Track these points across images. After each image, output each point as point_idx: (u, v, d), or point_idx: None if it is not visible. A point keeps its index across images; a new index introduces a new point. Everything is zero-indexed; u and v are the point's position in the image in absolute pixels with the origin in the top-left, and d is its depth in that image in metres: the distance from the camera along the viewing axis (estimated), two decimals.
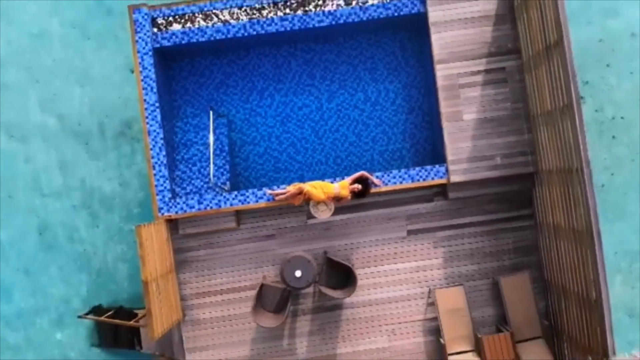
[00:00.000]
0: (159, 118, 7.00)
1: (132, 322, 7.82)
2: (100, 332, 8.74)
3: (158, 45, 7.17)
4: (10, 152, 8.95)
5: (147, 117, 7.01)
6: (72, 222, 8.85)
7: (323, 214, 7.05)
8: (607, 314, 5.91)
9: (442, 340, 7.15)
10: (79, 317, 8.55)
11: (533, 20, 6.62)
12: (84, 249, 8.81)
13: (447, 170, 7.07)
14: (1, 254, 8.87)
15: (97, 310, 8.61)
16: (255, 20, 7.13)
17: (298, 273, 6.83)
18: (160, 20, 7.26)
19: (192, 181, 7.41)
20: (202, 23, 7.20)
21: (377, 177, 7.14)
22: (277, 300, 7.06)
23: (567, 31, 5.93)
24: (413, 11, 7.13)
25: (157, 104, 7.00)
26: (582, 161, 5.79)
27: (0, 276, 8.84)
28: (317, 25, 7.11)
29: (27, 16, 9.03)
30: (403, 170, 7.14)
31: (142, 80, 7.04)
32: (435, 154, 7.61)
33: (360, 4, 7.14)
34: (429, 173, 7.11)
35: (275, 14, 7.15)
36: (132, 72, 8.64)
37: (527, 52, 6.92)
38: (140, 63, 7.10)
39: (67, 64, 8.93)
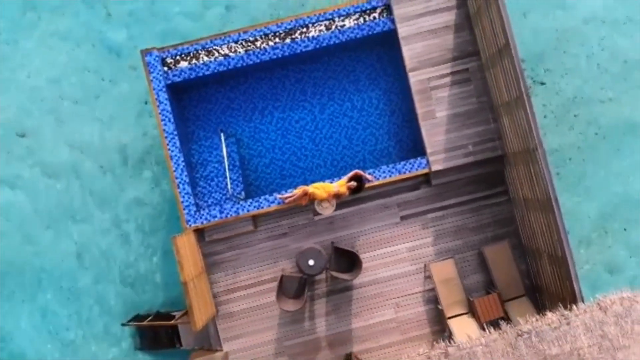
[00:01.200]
0: (178, 144, 8.17)
1: (172, 321, 8.95)
2: (142, 336, 9.69)
3: (170, 82, 8.34)
4: (47, 188, 10.08)
5: (167, 144, 8.18)
6: (105, 242, 9.96)
7: (327, 211, 8.19)
8: (571, 267, 7.08)
9: (440, 307, 8.31)
10: (123, 324, 9.70)
11: (486, 27, 7.80)
12: (118, 265, 9.93)
13: (427, 161, 8.24)
14: (44, 278, 10.01)
15: (136, 317, 9.76)
16: (250, 52, 8.31)
17: (311, 262, 8.00)
18: (169, 60, 8.44)
19: (212, 194, 8.59)
20: (206, 58, 8.37)
21: (369, 173, 8.30)
22: (296, 287, 8.22)
23: (511, 36, 7.10)
24: (385, 29, 8.30)
25: (174, 132, 8.17)
26: (536, 142, 6.96)
27: (47, 296, 10.00)
28: (303, 50, 8.28)
29: (47, 65, 10.16)
30: (391, 165, 8.31)
31: (160, 113, 8.21)
32: (416, 149, 8.76)
33: (338, 27, 8.32)
34: (413, 165, 8.28)
35: (267, 44, 8.32)
36: (146, 103, 9.80)
37: (485, 54, 8.09)
38: (156, 98, 8.26)
39: (87, 103, 10.05)
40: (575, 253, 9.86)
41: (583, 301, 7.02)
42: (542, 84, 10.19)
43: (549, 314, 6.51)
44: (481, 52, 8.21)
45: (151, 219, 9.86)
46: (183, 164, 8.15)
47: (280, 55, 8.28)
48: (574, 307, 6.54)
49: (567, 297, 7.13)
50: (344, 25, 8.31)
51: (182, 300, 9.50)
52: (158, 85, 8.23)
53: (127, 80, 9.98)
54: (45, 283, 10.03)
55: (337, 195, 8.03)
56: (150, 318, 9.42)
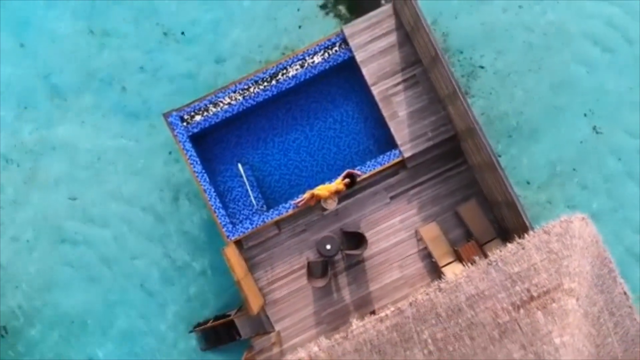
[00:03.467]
0: (207, 179, 10.48)
1: (230, 317, 11.22)
2: (205, 338, 11.61)
3: (190, 134, 10.66)
4: (101, 239, 12.32)
5: (200, 181, 10.49)
6: (161, 269, 12.18)
7: (331, 206, 10.48)
8: (519, 207, 9.40)
9: (434, 260, 10.62)
10: (190, 332, 11.97)
11: (420, 41, 10.15)
12: (173, 284, 12.19)
13: (400, 151, 10.57)
14: (116, 309, 12.28)
15: (199, 324, 12.01)
16: (247, 97, 10.65)
17: (328, 247, 10.31)
18: (186, 117, 10.76)
19: (241, 212, 10.92)
20: (214, 109, 10.70)
21: (357, 169, 10.63)
22: (321, 269, 10.53)
23: (438, 49, 9.44)
24: (345, 58, 10.64)
25: (203, 171, 10.48)
26: (472, 122, 9.30)
27: (121, 322, 12.25)
28: (287, 87, 10.62)
29: (82, 137, 12.36)
30: (373, 160, 10.64)
31: (189, 159, 10.53)
32: (389, 143, 11.01)
33: (310, 64, 10.66)
34: (389, 157, 10.61)
35: (259, 88, 10.66)
36: (170, 153, 12.09)
37: (425, 61, 10.44)
38: (183, 148, 10.58)
39: (121, 161, 12.26)
40: (536, 196, 12.23)
41: (532, 230, 9.33)
42: (482, 67, 12.52)
43: (508, 245, 8.81)
44: (422, 60, 10.56)
45: (195, 243, 12.06)
46: (214, 193, 10.46)
47: (270, 95, 10.63)
48: (526, 235, 8.84)
49: (522, 229, 9.45)
50: (314, 61, 10.65)
51: (234, 302, 11.80)
52: (182, 138, 10.55)
53: (150, 136, 12.17)
54: (119, 311, 12.29)
55: (337, 192, 10.30)
56: (211, 321, 11.70)
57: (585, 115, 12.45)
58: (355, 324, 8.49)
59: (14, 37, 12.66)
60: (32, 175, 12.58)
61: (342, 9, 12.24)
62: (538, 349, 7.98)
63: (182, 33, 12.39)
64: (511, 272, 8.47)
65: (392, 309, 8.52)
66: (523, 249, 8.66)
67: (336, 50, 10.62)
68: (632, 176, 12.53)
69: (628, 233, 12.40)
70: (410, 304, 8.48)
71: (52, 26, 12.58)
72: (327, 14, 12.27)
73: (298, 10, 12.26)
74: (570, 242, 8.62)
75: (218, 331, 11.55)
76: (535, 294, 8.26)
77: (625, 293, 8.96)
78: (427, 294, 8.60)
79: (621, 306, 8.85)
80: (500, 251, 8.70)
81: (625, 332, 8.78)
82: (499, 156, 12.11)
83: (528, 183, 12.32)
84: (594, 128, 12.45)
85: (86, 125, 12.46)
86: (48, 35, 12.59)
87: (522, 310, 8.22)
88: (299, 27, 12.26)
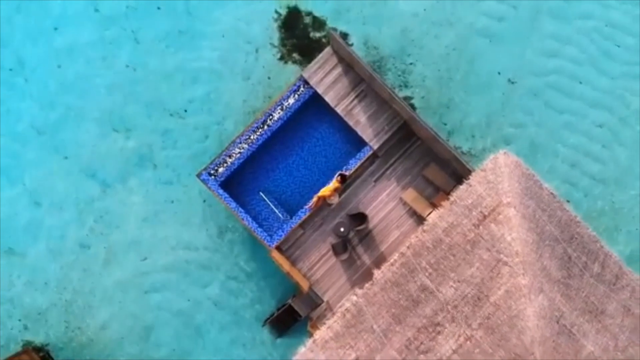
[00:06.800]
0: (243, 212, 14.24)
1: (288, 303, 14.86)
2: (274, 328, 14.96)
3: (219, 183, 14.43)
4: (174, 281, 16.05)
5: (237, 213, 14.23)
6: (227, 289, 15.80)
7: (334, 201, 14.21)
8: (460, 158, 13.16)
9: (419, 214, 14.37)
10: (262, 326, 15.65)
11: (357, 67, 13.94)
12: (240, 296, 15.92)
13: (370, 146, 14.34)
14: (201, 328, 15.94)
15: (267, 319, 15.63)
16: (251, 143, 14.42)
17: (342, 229, 14.04)
18: (212, 171, 14.52)
19: (273, 225, 14.70)
20: (230, 160, 14.46)
21: (345, 169, 14.38)
22: (342, 247, 14.25)
23: (370, 69, 13.21)
24: (311, 93, 14.43)
25: (238, 207, 14.24)
26: (408, 113, 13.08)
27: (213, 336, 15.96)
28: (276, 127, 14.40)
29: (138, 211, 16.10)
30: (353, 159, 14.40)
31: (224, 201, 14.29)
32: (361, 143, 14.69)
33: (287, 106, 14.44)
34: (364, 152, 14.37)
35: (256, 135, 14.42)
36: (204, 201, 15.83)
37: (366, 79, 14.24)
38: (218, 195, 14.33)
39: (171, 218, 15.90)
40: (482, 144, 16.01)
41: (474, 171, 12.98)
42: (411, 63, 16.30)
43: (460, 186, 12.49)
44: (364, 78, 14.36)
45: (246, 262, 15.83)
46: (250, 218, 14.23)
47: (266, 137, 14.43)
48: (470, 176, 12.52)
49: (467, 173, 13.17)
50: (289, 103, 14.46)
51: (286, 294, 15.49)
52: (215, 188, 14.32)
53: (186, 194, 15.86)
54: (204, 329, 15.92)
55: (335, 190, 14.00)
56: (275, 313, 15.39)
57: (499, 73, 16.29)
58: (376, 272, 12.17)
59: (57, 154, 16.20)
60: (107, 252, 16.18)
61: (295, 55, 16.06)
62: (498, 247, 11.63)
63: (185, 110, 16.17)
64: (466, 204, 12.11)
65: (397, 255, 12.22)
66: (470, 185, 12.22)
67: (302, 90, 14.42)
68: (550, 105, 16.33)
69: (557, 145, 16.10)
70: (408, 247, 12.13)
71: (84, 138, 16.17)
72: (286, 62, 16.09)
73: (263, 67, 16.09)
74: (500, 171, 12.17)
75: (283, 318, 14.89)
76: (486, 213, 11.89)
77: (552, 193, 12.60)
78: (417, 236, 12.23)
79: (550, 203, 12.49)
80: (456, 192, 12.39)
81: (558, 219, 12.44)
82: (445, 124, 15.97)
83: (473, 136, 16.15)
84: (509, 80, 16.26)
85: (136, 201, 16.11)
86: (86, 146, 16.22)
87: (480, 227, 11.87)
88: (268, 77, 16.09)
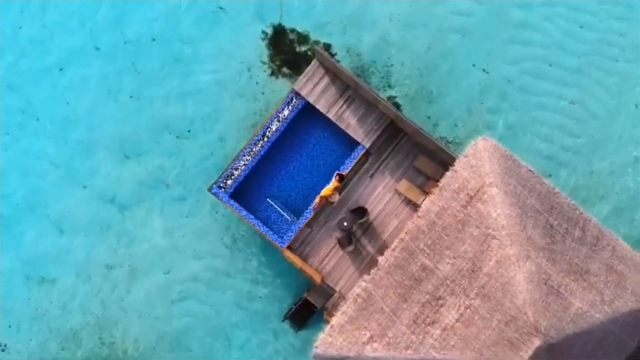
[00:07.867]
0: (254, 218, 15.55)
1: (304, 297, 16.17)
2: (294, 322, 16.11)
3: (229, 194, 15.74)
4: (197, 289, 17.36)
5: (248, 220, 15.55)
6: (246, 292, 17.03)
7: (335, 199, 15.50)
8: (444, 148, 14.50)
9: (413, 202, 15.69)
10: (282, 321, 16.93)
11: (343, 75, 15.27)
12: (259, 298, 17.21)
13: (362, 145, 15.67)
14: (227, 331, 17.21)
15: (286, 314, 16.92)
16: (253, 156, 15.75)
17: (345, 223, 15.33)
18: (221, 184, 15.85)
19: (282, 227, 16.02)
20: (236, 172, 15.78)
21: (342, 169, 15.70)
22: (347, 240, 15.56)
23: (355, 76, 14.54)
24: (303, 104, 15.76)
25: (249, 214, 15.56)
26: (393, 112, 14.41)
27: (239, 335, 17.26)
28: (275, 138, 15.71)
29: (157, 230, 17.44)
30: (348, 159, 15.72)
31: (236, 210, 15.61)
32: (354, 143, 15.99)
33: (283, 117, 15.77)
34: (358, 152, 15.69)
35: (258, 147, 15.73)
36: (216, 212, 17.16)
37: (352, 85, 15.57)
38: (229, 205, 15.65)
39: (188, 232, 17.27)
40: (465, 131, 17.21)
41: (457, 157, 14.25)
42: (392, 65, 17.58)
43: (446, 173, 13.79)
44: (350, 85, 15.69)
45: (261, 264, 17.07)
46: (263, 225, 15.55)
47: (267, 148, 15.76)
48: (454, 163, 13.82)
49: (452, 160, 14.49)
50: (285, 114, 15.79)
51: (300, 289, 16.72)
52: (226, 199, 15.65)
53: (199, 209, 17.09)
54: (231, 334, 17.21)
55: (335, 189, 15.25)
56: (293, 308, 16.68)
57: (473, 65, 17.59)
58: (381, 258, 13.47)
59: (75, 184, 17.44)
60: (131, 270, 17.44)
61: (285, 70, 17.40)
62: (486, 224, 12.92)
63: (188, 131, 17.47)
64: (454, 188, 13.42)
65: (397, 241, 13.54)
66: (456, 171, 13.51)
67: (295, 102, 15.76)
68: (524, 89, 17.65)
69: (535, 124, 17.39)
70: (406, 232, 13.44)
71: (99, 166, 17.43)
72: (276, 77, 17.42)
73: (257, 83, 17.41)
74: (481, 155, 13.47)
75: (300, 312, 16.11)
76: (472, 194, 13.19)
77: (530, 170, 13.87)
78: (413, 222, 13.54)
79: (529, 178, 13.73)
80: (444, 179, 13.71)
81: (538, 193, 13.72)
82: (429, 117, 17.29)
83: (456, 125, 17.47)
84: (483, 70, 17.57)
85: (153, 219, 17.36)
86: (102, 174, 17.50)
87: (468, 207, 13.18)
88: (262, 93, 17.42)
